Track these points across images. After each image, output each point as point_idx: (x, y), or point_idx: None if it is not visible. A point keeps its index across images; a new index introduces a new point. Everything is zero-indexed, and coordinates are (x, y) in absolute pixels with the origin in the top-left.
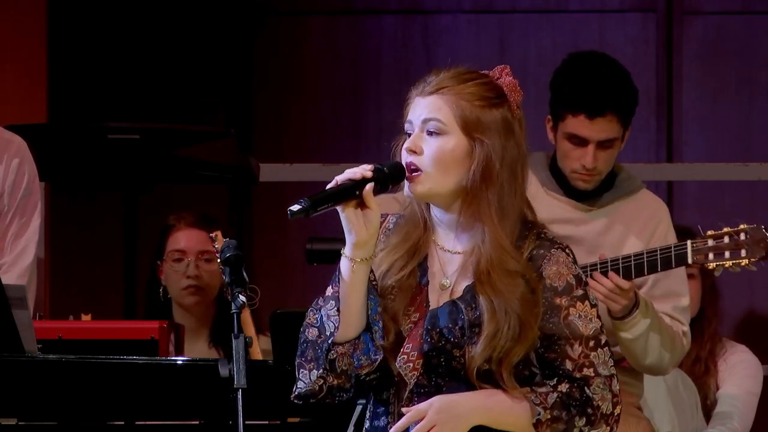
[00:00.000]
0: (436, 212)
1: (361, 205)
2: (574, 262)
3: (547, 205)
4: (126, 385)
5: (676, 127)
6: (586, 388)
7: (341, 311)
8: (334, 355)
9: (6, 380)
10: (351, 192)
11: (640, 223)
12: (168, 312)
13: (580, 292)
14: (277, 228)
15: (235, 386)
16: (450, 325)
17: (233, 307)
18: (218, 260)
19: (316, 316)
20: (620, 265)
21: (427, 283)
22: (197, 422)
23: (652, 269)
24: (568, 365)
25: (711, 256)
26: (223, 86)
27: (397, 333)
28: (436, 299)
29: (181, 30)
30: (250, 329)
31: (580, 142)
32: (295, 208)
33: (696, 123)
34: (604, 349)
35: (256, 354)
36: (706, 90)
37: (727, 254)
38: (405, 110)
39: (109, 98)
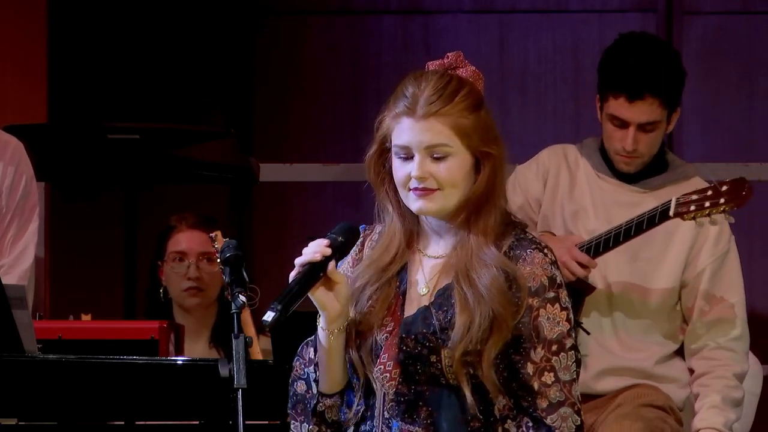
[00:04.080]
0: (430, 222)
1: (327, 281)
2: (553, 262)
3: (598, 187)
4: (126, 385)
5: (676, 127)
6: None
7: (322, 373)
8: (323, 408)
9: (6, 380)
10: (315, 276)
11: None
12: (168, 312)
13: (551, 294)
14: (277, 227)
15: (235, 386)
16: (424, 331)
17: (233, 307)
18: (218, 260)
19: (304, 368)
20: (612, 233)
21: (405, 291)
22: (197, 422)
23: (639, 230)
24: (529, 368)
25: (692, 207)
26: (223, 86)
27: (370, 345)
28: (412, 307)
29: (181, 30)
30: (250, 329)
31: (621, 124)
32: (270, 317)
33: (696, 123)
34: (569, 353)
35: (256, 354)
36: (706, 90)
37: (707, 204)
38: (386, 124)
39: (109, 98)
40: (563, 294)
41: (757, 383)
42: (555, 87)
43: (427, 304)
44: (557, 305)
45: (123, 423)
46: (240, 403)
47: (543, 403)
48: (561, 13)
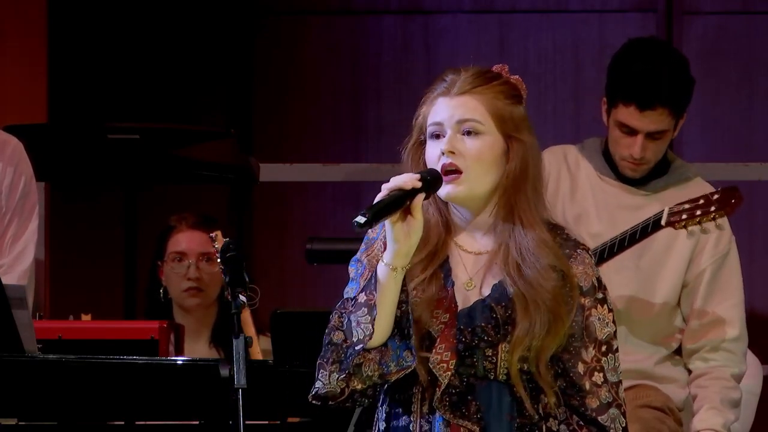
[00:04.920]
0: (462, 214)
1: (407, 214)
2: (594, 264)
3: (601, 190)
4: (126, 385)
5: None
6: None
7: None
8: (361, 360)
9: (6, 380)
10: (402, 202)
11: None
12: (168, 312)
13: (600, 294)
14: (277, 227)
15: (235, 386)
16: (483, 324)
17: (233, 307)
18: (218, 260)
19: (343, 319)
20: (606, 245)
21: (453, 284)
22: (197, 422)
23: (633, 241)
24: (580, 368)
25: (684, 216)
26: (223, 86)
27: (422, 335)
28: (462, 300)
29: (181, 30)
30: (250, 329)
31: (629, 131)
32: (361, 220)
33: (696, 123)
34: (615, 354)
35: (256, 354)
36: (706, 90)
37: (698, 212)
38: (422, 112)
39: (109, 98)
40: (609, 295)
41: (757, 383)
42: (555, 87)
43: (482, 297)
44: (606, 306)
45: (123, 423)
46: (240, 403)
47: (593, 403)
48: (561, 13)
